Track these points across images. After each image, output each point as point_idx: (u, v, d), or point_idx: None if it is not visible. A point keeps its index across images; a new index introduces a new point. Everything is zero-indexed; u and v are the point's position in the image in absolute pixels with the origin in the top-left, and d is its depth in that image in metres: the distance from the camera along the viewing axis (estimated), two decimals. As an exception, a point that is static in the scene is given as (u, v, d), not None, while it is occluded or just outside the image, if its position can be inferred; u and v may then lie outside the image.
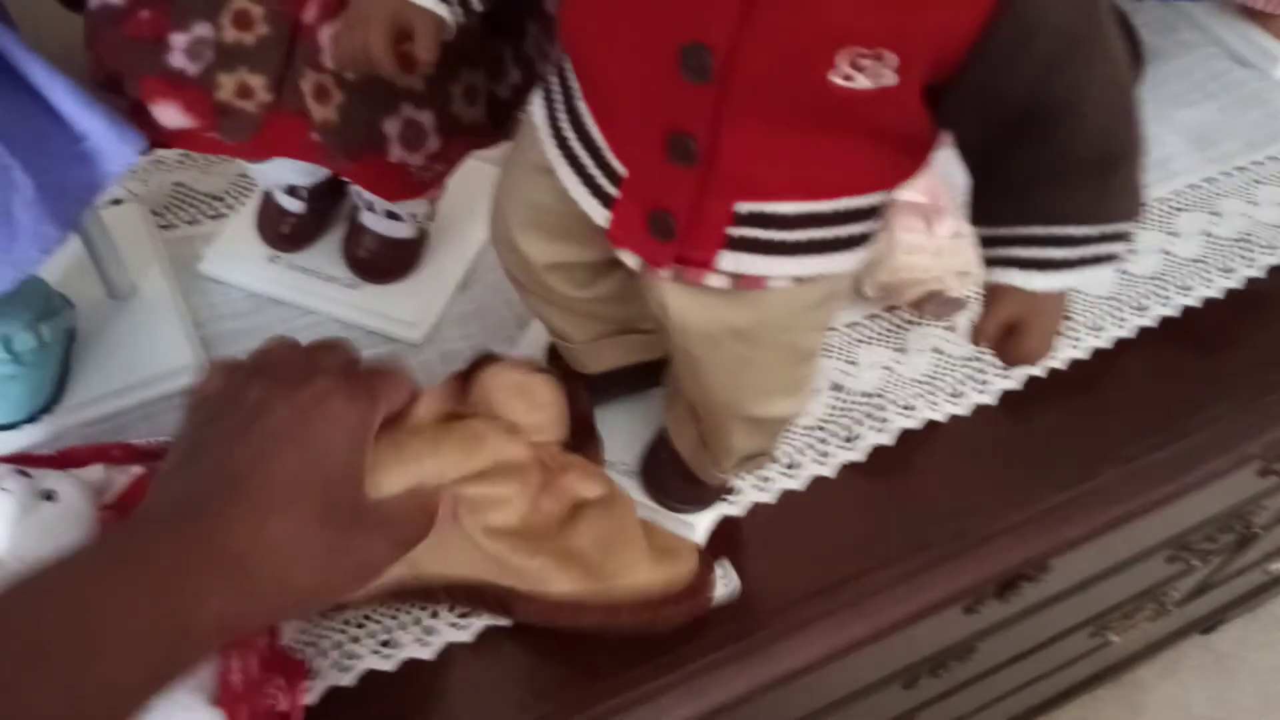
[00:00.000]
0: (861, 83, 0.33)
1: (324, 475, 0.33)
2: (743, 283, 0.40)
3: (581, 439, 0.46)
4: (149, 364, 0.58)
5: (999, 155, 0.35)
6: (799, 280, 0.40)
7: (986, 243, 0.37)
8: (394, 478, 0.38)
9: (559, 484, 0.44)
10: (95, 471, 0.48)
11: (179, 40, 0.47)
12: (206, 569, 0.31)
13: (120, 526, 0.32)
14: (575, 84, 0.40)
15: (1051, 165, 0.34)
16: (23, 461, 0.46)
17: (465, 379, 0.44)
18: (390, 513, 0.36)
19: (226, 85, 0.47)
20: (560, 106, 0.41)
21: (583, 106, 0.40)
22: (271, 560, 0.32)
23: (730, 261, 0.39)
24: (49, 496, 0.44)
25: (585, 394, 0.48)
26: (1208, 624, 1.25)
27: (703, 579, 0.49)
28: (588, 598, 0.47)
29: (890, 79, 0.33)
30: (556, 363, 0.56)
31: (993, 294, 0.37)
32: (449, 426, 0.41)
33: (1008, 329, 0.37)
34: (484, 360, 0.44)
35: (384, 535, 0.36)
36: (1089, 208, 0.35)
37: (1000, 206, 0.36)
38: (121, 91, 0.50)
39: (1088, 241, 0.36)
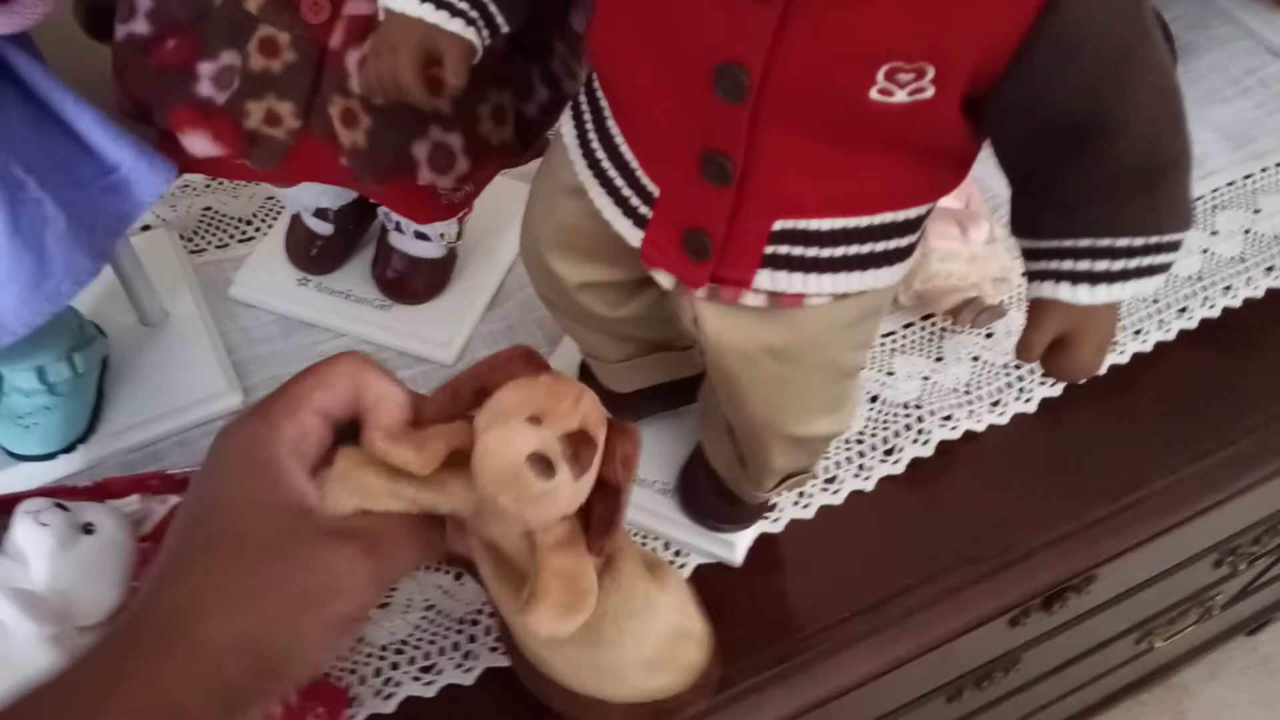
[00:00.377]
0: (899, 97, 0.32)
1: (218, 513, 0.30)
2: (780, 301, 0.39)
3: (600, 512, 0.36)
4: (183, 390, 0.58)
5: (1044, 167, 0.34)
6: (838, 297, 0.39)
7: (1031, 255, 0.36)
8: (342, 500, 0.33)
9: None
10: (133, 502, 0.48)
11: (206, 69, 0.47)
12: (109, 675, 0.27)
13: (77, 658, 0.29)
14: (605, 103, 0.40)
15: (1098, 177, 0.33)
16: (60, 494, 0.46)
17: (475, 395, 0.35)
18: (356, 526, 0.32)
19: (255, 113, 0.47)
20: (590, 126, 0.41)
21: (613, 126, 0.40)
22: (180, 626, 0.28)
23: (767, 280, 0.38)
24: (87, 529, 0.44)
25: (626, 450, 0.36)
26: (1253, 625, 1.23)
27: (708, 676, 0.42)
28: (574, 684, 0.41)
29: (928, 92, 0.32)
30: (592, 383, 0.53)
31: (1038, 308, 0.36)
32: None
33: (1056, 344, 0.36)
34: (498, 371, 0.35)
35: (343, 549, 0.31)
36: (1138, 219, 0.34)
37: (1045, 219, 0.35)
38: (150, 121, 0.50)
39: (1136, 253, 0.34)
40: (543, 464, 0.33)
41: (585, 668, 0.40)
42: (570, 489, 0.34)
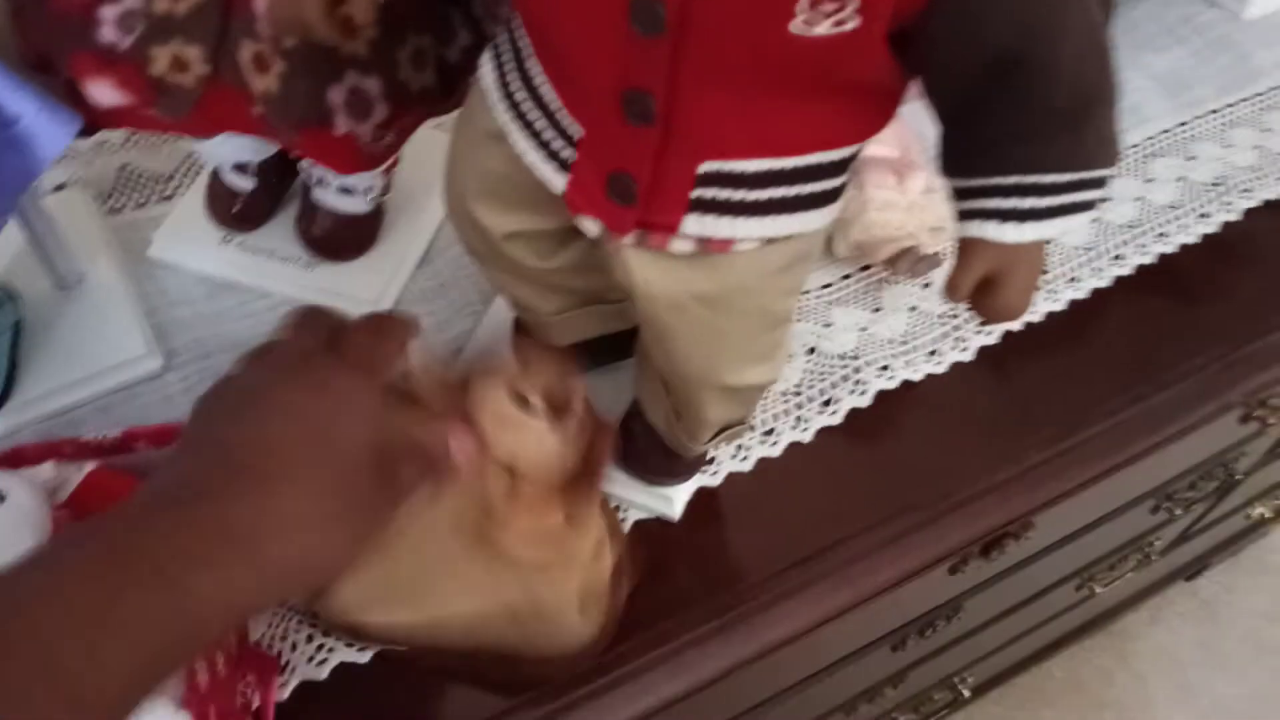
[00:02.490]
0: (823, 28, 0.31)
1: (334, 450, 0.32)
2: (708, 246, 0.38)
3: (584, 477, 0.42)
4: (100, 355, 0.56)
5: (971, 105, 0.34)
6: (767, 241, 0.38)
7: (958, 194, 0.36)
8: None
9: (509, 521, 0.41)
10: (46, 469, 0.46)
11: (108, 13, 0.45)
12: (208, 552, 0.29)
13: (114, 516, 0.30)
14: (525, 42, 0.38)
15: (1026, 113, 0.33)
16: (-33, 462, 0.44)
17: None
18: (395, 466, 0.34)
19: (160, 59, 0.44)
20: (511, 67, 0.39)
21: (534, 66, 0.38)
22: (278, 537, 0.30)
23: (694, 224, 0.37)
24: (-3, 497, 0.42)
25: (607, 437, 0.42)
26: (1191, 571, 1.26)
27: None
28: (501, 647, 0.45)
29: (852, 23, 0.31)
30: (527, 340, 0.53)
31: (966, 248, 0.36)
32: None
33: (984, 283, 0.36)
34: (486, 360, 0.41)
35: (390, 488, 0.34)
36: (1064, 155, 0.34)
37: (972, 157, 0.35)
38: (53, 71, 0.48)
39: (1063, 189, 0.34)
40: (521, 400, 0.38)
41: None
42: (545, 434, 0.39)
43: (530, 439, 0.39)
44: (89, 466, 0.47)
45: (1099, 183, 0.35)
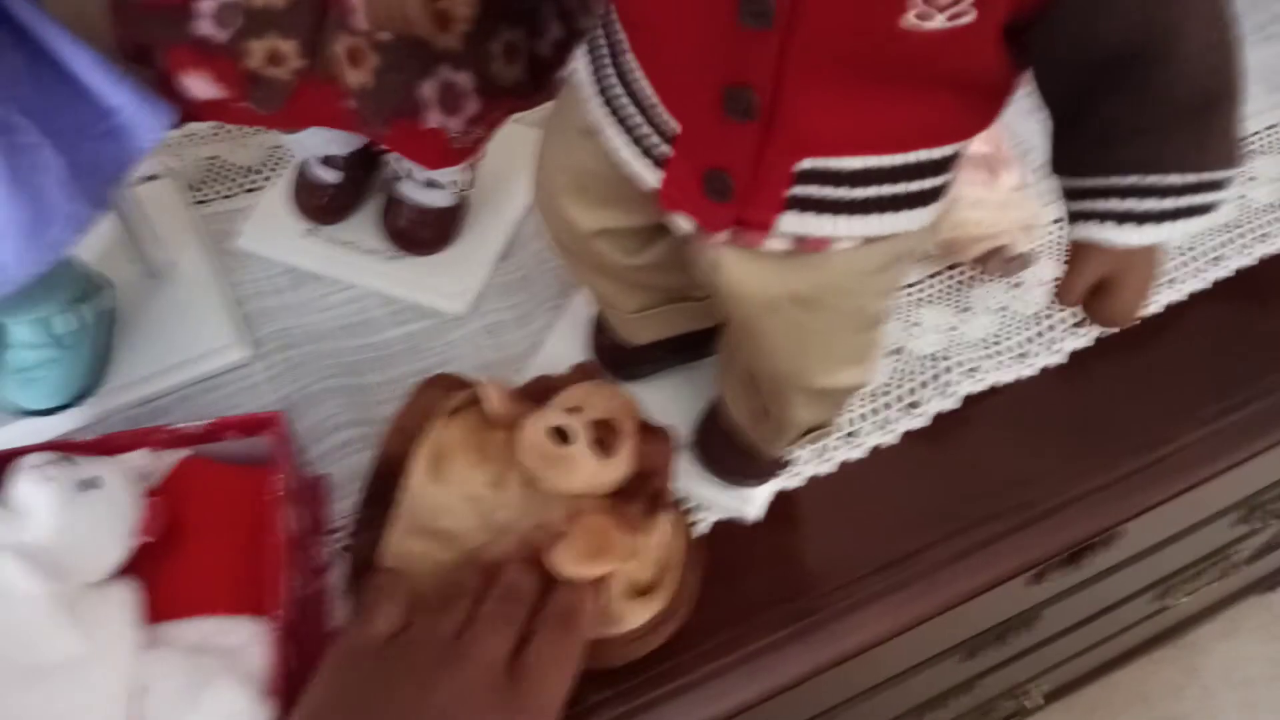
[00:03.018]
0: (937, 22, 0.30)
1: None
2: (804, 245, 0.37)
3: (643, 488, 0.44)
4: (190, 344, 0.57)
5: (1090, 99, 0.32)
6: (866, 240, 0.37)
7: (1072, 195, 0.35)
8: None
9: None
10: (138, 457, 0.47)
11: (206, 6, 0.45)
12: None
13: None
14: (622, 36, 0.38)
15: (1147, 107, 0.31)
16: (65, 449, 0.45)
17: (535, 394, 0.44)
18: None
19: (257, 52, 0.45)
20: (607, 61, 0.39)
21: (631, 60, 0.38)
22: None
23: (792, 222, 0.37)
24: (93, 484, 0.43)
25: (667, 446, 0.45)
26: (1271, 583, 1.22)
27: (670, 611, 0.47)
28: None
29: (969, 16, 0.30)
30: (612, 358, 0.54)
31: (1080, 251, 0.35)
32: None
33: (1096, 287, 0.35)
34: (545, 386, 0.44)
35: None
36: (1186, 154, 0.32)
37: (1089, 155, 0.33)
38: (149, 63, 0.48)
39: (1184, 191, 0.33)
40: (560, 435, 0.41)
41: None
42: (592, 464, 0.41)
43: (576, 472, 0.41)
44: (180, 455, 0.48)
45: (1222, 184, 0.33)
